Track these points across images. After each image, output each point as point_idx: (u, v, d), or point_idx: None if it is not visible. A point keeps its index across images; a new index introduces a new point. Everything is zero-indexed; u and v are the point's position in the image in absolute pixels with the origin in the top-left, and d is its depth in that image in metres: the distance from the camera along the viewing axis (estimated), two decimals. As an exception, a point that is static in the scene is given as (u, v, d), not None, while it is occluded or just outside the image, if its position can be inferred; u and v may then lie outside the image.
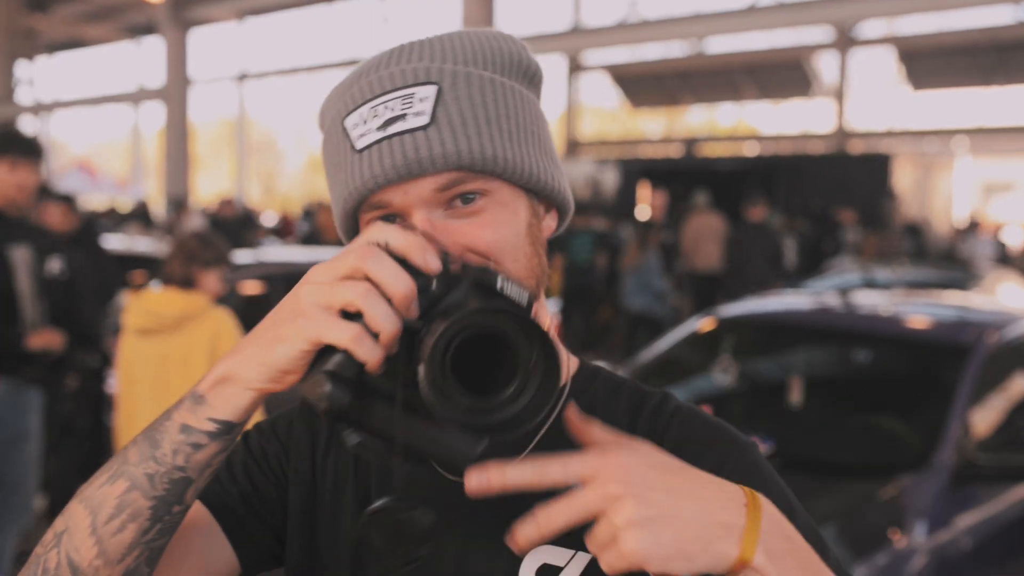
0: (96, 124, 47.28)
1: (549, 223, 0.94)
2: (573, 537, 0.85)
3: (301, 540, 0.96)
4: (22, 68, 27.49)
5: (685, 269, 10.46)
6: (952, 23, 20.03)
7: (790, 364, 4.15)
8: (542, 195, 0.90)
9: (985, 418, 3.45)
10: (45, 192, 5.54)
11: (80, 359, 4.39)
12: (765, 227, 9.13)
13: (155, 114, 29.16)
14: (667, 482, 0.68)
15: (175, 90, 22.07)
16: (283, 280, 5.74)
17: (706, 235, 10.03)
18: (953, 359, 3.54)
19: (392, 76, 0.85)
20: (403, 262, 0.72)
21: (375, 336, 0.70)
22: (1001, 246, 15.15)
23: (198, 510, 0.92)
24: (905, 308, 4.27)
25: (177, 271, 3.53)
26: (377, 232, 0.73)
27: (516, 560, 0.87)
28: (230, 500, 0.94)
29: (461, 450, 0.74)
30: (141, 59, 29.91)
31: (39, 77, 32.85)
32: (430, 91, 0.84)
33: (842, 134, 21.36)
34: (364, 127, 0.85)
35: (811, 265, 11.45)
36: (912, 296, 5.24)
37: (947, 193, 18.80)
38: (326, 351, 0.72)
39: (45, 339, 3.77)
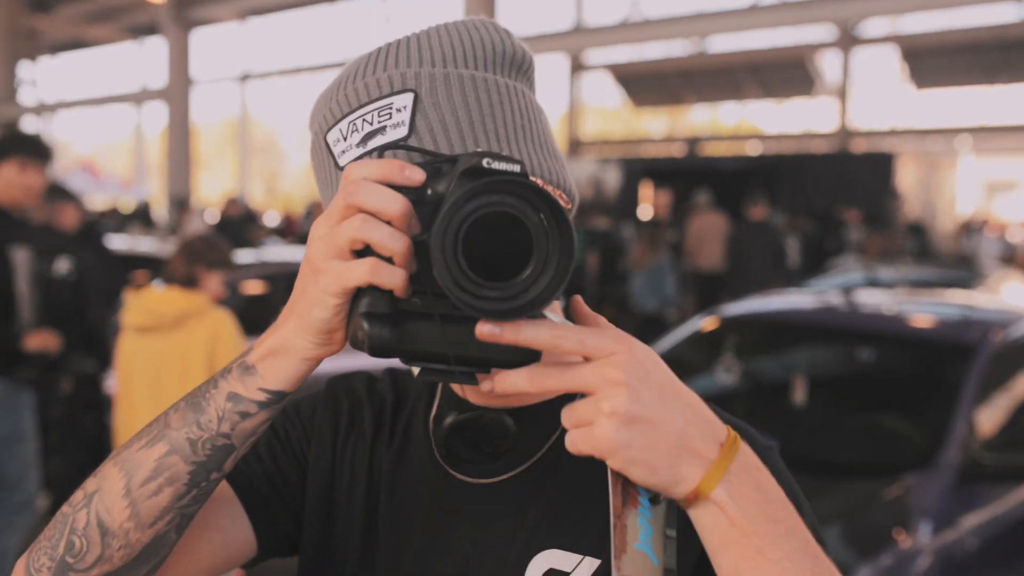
0: (99, 124, 47.31)
1: None
2: (580, 542, 0.85)
3: (318, 527, 0.95)
4: (25, 69, 27.53)
5: (689, 268, 10.46)
6: (955, 21, 20.01)
7: (793, 363, 4.14)
8: None
9: (990, 417, 3.43)
10: (59, 192, 5.53)
11: (77, 362, 4.37)
12: (766, 226, 9.11)
13: (158, 114, 29.18)
14: (664, 391, 0.68)
15: (177, 90, 22.10)
16: (285, 279, 5.74)
17: (709, 234, 10.02)
18: (958, 358, 3.52)
19: (368, 87, 0.83)
20: (389, 187, 0.70)
21: (390, 261, 0.68)
22: (1007, 245, 15.12)
23: (221, 487, 0.90)
24: (909, 307, 4.25)
25: (180, 270, 3.53)
26: (354, 172, 0.71)
27: (522, 564, 0.85)
28: (255, 479, 0.93)
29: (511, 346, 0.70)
30: (143, 59, 29.93)
31: (42, 78, 32.92)
32: (407, 99, 0.81)
33: (845, 133, 21.32)
34: (344, 143, 0.83)
35: (814, 264, 11.45)
36: (916, 295, 5.22)
37: (950, 192, 18.76)
38: (357, 296, 0.71)
39: (42, 340, 3.77)
